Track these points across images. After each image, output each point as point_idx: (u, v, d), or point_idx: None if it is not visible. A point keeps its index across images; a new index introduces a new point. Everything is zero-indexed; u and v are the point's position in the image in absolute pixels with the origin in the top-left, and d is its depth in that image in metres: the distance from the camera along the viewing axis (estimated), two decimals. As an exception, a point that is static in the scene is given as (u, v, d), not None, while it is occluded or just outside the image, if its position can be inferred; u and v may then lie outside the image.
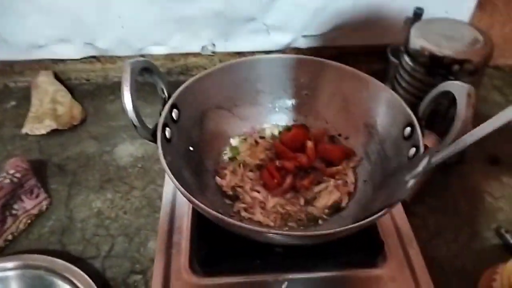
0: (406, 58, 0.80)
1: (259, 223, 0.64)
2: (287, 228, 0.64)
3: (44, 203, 0.81)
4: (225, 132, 0.73)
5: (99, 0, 0.94)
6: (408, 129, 0.61)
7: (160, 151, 0.56)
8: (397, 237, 0.67)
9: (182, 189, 0.52)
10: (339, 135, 0.73)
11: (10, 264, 0.66)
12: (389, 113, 0.65)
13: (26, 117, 0.96)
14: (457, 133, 0.52)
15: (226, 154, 0.74)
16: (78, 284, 0.66)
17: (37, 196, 0.80)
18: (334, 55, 1.06)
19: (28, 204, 0.79)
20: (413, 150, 0.58)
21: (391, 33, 0.97)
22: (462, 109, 0.52)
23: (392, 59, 0.94)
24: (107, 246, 0.76)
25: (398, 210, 0.70)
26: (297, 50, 1.05)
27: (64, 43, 1.00)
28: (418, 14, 0.90)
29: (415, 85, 0.80)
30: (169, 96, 0.63)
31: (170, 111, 0.62)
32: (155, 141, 0.58)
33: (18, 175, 0.77)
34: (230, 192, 0.69)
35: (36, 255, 0.68)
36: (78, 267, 0.68)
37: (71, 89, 1.05)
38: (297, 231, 0.63)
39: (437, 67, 0.74)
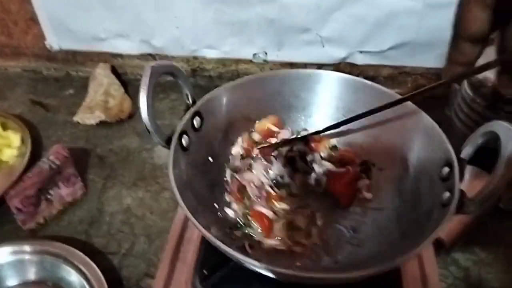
0: (466, 87, 0.71)
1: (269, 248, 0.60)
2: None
3: (79, 192, 0.84)
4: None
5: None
6: (446, 169, 0.53)
7: (171, 159, 0.55)
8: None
9: (185, 208, 0.50)
10: (373, 165, 0.66)
11: (28, 248, 0.68)
12: (429, 148, 0.58)
13: (80, 106, 1.01)
14: (494, 185, 0.44)
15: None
16: (91, 279, 0.66)
17: (73, 185, 0.83)
18: (393, 75, 0.99)
19: (64, 191, 0.81)
20: (447, 194, 0.51)
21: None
22: (504, 158, 0.43)
23: (455, 85, 0.84)
24: (127, 244, 0.77)
25: (429, 256, 0.62)
26: (352, 66, 0.99)
27: (123, 39, 1.03)
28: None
29: (474, 119, 0.71)
30: (194, 103, 0.62)
31: (192, 119, 0.61)
32: (169, 148, 0.57)
33: (57, 162, 0.79)
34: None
35: (57, 243, 0.70)
36: (97, 261, 0.68)
37: (125, 84, 1.07)
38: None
39: (500, 101, 0.65)
